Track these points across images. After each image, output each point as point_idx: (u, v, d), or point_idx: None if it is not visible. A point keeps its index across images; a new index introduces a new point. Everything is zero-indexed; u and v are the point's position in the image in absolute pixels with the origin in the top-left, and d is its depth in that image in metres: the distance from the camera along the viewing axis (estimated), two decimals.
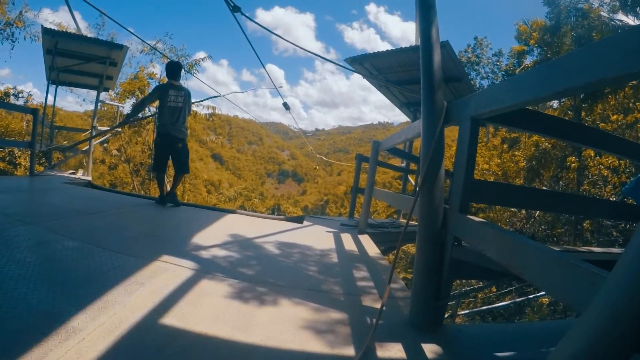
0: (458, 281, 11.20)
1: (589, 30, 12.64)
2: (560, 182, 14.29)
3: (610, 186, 12.53)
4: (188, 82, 21.33)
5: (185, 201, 6.65)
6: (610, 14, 12.39)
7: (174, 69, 6.37)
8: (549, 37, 14.23)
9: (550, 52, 14.38)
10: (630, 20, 11.73)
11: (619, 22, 11.86)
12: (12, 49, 18.91)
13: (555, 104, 14.34)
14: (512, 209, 14.78)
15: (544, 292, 8.08)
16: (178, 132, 6.22)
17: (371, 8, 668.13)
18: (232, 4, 4.42)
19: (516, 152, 16.35)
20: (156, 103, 6.17)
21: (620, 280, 0.99)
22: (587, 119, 13.68)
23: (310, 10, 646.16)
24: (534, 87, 1.70)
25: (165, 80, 6.39)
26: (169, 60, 9.76)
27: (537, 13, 14.88)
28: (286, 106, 8.64)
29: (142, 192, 20.68)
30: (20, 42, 18.48)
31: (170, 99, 6.09)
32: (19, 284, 2.30)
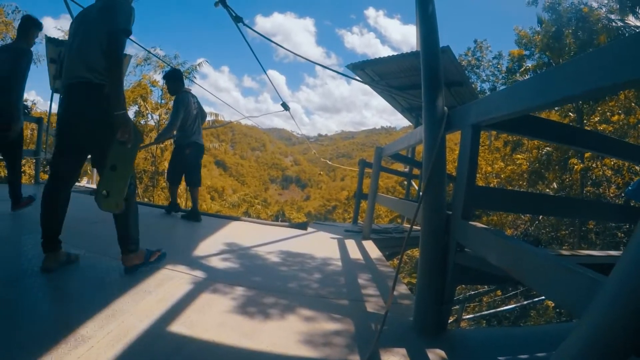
0: (463, 285, 11.19)
1: (591, 33, 12.66)
2: (556, 185, 14.27)
3: (614, 186, 12.52)
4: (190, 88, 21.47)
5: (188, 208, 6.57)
6: (609, 15, 12.42)
7: (180, 76, 6.07)
8: (551, 42, 14.25)
9: (553, 57, 14.41)
10: (630, 21, 11.73)
11: (620, 24, 11.87)
12: None
13: None
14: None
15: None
16: (201, 139, 6.05)
17: (370, 12, 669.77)
18: (234, 15, 4.47)
19: (518, 155, 16.34)
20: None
21: (618, 284, 1.02)
22: (590, 120, 13.68)
23: (309, 15, 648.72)
24: (533, 95, 1.72)
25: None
26: (171, 68, 9.28)
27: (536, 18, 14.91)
28: (285, 106, 8.47)
29: (146, 199, 20.74)
30: None
31: (192, 106, 5.82)
32: (28, 292, 2.34)
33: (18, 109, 4.39)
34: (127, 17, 2.68)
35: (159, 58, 18.51)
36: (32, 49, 4.55)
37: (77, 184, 9.88)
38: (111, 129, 2.59)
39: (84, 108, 2.69)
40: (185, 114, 5.66)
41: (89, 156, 2.96)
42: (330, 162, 26.44)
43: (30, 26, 4.65)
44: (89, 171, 11.48)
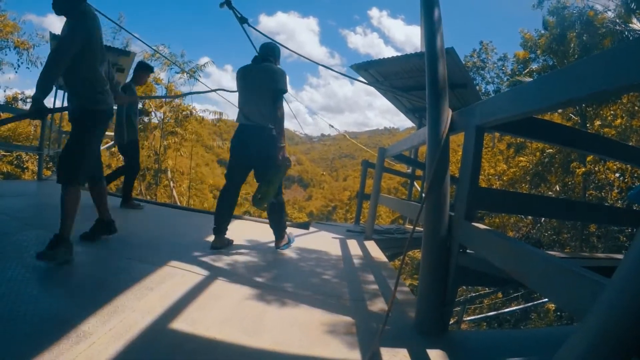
0: (464, 287, 11.20)
1: (595, 37, 12.64)
2: (558, 188, 14.25)
3: (616, 190, 12.48)
4: (192, 87, 21.52)
5: (191, 206, 6.52)
6: (616, 19, 12.40)
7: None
8: (555, 45, 14.24)
9: (556, 60, 14.40)
10: (636, 25, 11.70)
11: (624, 27, 11.85)
12: (17, 70, 19.90)
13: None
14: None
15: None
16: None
17: (374, 13, 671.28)
18: (240, 16, 4.47)
19: (521, 157, 16.33)
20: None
21: (620, 286, 1.02)
22: (594, 123, 13.66)
23: (313, 14, 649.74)
24: (538, 97, 1.71)
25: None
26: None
27: (541, 20, 15.01)
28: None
29: (148, 196, 20.75)
30: (24, 60, 19.52)
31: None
32: (30, 287, 2.34)
33: (122, 131, 5.78)
34: (285, 81, 4.06)
35: (165, 57, 18.55)
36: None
37: None
38: (272, 156, 3.99)
39: (257, 143, 3.99)
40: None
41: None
42: (348, 135, 23.98)
43: (138, 69, 6.06)
44: None
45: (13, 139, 17.67)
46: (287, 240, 4.40)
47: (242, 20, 4.52)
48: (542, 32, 15.63)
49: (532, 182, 15.15)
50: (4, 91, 21.60)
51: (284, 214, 4.37)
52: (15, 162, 16.40)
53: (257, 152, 4.03)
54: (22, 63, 19.66)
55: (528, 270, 1.62)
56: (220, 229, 4.10)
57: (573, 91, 1.47)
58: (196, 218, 5.99)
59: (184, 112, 21.27)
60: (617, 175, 12.26)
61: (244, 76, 4.17)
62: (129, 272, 2.88)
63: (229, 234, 4.18)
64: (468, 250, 2.35)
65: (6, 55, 19.62)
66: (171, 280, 2.84)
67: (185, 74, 20.75)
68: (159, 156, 21.31)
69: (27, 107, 19.61)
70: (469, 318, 11.87)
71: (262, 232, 5.32)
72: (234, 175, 4.20)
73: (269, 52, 4.26)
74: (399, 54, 7.88)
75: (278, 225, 4.29)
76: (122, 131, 5.83)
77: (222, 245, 4.10)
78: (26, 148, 14.06)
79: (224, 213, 4.15)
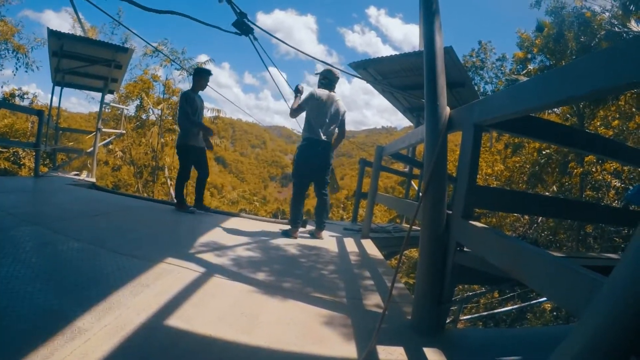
0: (460, 286, 11.20)
1: (593, 37, 12.65)
2: (555, 188, 14.26)
3: (613, 191, 12.50)
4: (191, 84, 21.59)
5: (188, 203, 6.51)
6: (612, 20, 12.42)
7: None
8: (552, 44, 14.25)
9: (553, 60, 14.41)
10: (632, 26, 11.71)
11: (623, 29, 11.86)
12: (15, 72, 20.81)
13: (557, 109, 14.36)
14: (515, 214, 14.73)
15: (546, 298, 8.07)
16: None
17: (372, 11, 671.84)
18: (239, 11, 4.46)
19: (516, 158, 16.34)
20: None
21: (618, 284, 1.01)
22: (592, 124, 13.67)
23: (310, 12, 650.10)
24: (536, 95, 1.71)
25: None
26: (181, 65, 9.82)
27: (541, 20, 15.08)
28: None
29: (145, 194, 20.73)
30: (22, 64, 20.82)
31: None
32: (25, 284, 2.32)
33: (179, 135, 6.19)
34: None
35: (165, 55, 18.58)
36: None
37: (76, 177, 9.89)
38: (329, 164, 5.36)
39: (326, 154, 5.30)
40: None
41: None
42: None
43: (194, 75, 6.29)
44: (88, 164, 11.48)
45: (10, 135, 17.66)
46: (323, 235, 5.41)
47: (242, 15, 4.52)
48: (537, 34, 15.66)
49: (529, 182, 15.15)
50: (2, 87, 21.83)
51: (326, 208, 5.46)
52: (12, 158, 16.39)
53: (324, 161, 5.29)
54: (20, 66, 20.35)
55: (526, 268, 1.61)
56: (296, 222, 5.25)
57: (572, 89, 1.46)
58: (192, 215, 5.97)
59: None
60: (617, 183, 12.25)
61: (323, 102, 5.25)
62: (125, 269, 2.86)
63: (225, 231, 4.17)
64: (465, 249, 2.35)
65: (5, 56, 20.15)
66: (167, 277, 2.82)
67: (185, 71, 20.75)
68: (157, 153, 21.30)
69: (24, 103, 19.84)
70: (465, 317, 11.87)
71: (259, 230, 5.32)
72: (307, 179, 5.37)
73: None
74: (397, 53, 7.88)
75: (320, 217, 5.40)
76: (185, 136, 6.04)
77: (296, 235, 5.17)
78: (23, 144, 14.04)
79: (300, 209, 5.38)
